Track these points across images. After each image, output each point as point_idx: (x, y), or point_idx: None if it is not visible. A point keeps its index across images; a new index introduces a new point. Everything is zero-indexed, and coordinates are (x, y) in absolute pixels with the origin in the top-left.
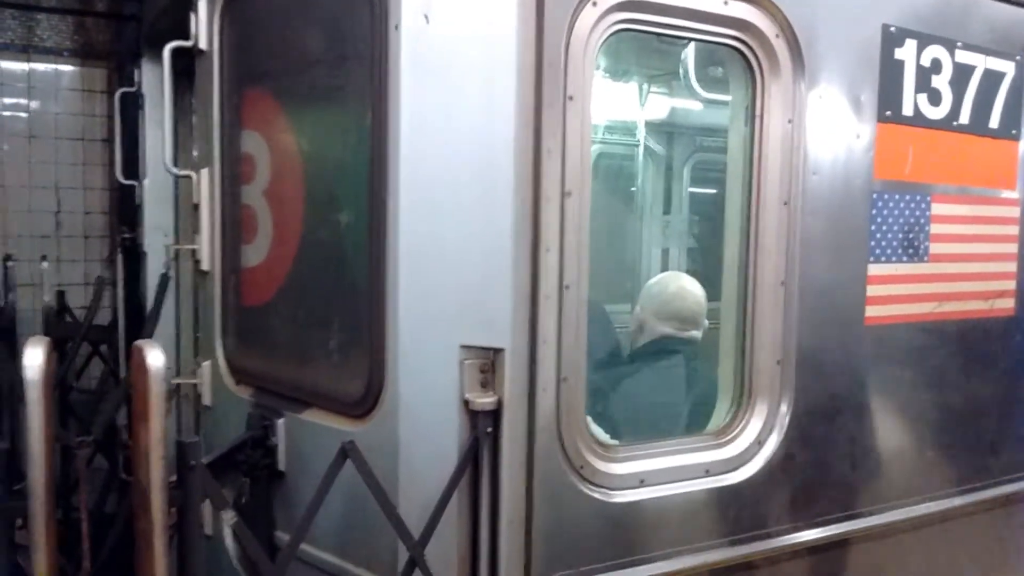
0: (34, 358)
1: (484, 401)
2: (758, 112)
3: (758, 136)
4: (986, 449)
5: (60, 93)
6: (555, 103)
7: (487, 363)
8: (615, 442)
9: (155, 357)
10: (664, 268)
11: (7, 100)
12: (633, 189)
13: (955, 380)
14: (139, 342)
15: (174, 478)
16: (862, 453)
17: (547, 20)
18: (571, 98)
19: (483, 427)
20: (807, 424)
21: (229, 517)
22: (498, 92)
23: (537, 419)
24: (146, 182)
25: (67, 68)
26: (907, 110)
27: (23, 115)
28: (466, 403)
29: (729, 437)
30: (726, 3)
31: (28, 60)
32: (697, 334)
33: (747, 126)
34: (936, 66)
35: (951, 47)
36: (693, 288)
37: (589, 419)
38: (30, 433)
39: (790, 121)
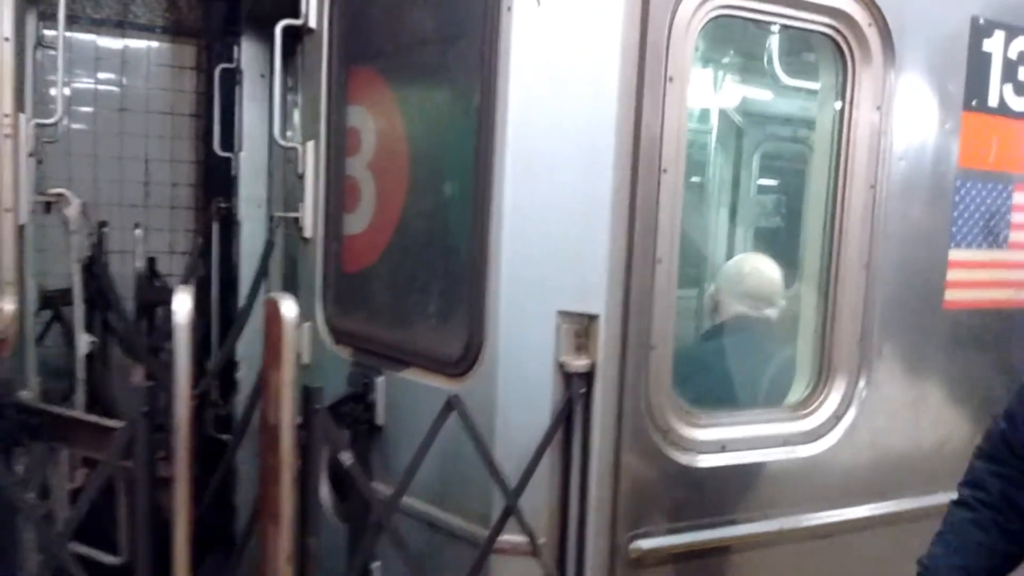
0: (183, 304)
1: (578, 364)
2: (848, 98)
3: (847, 121)
4: None
5: (152, 69)
6: (656, 84)
7: (582, 328)
8: (699, 409)
9: (288, 308)
10: (745, 249)
11: (102, 75)
12: (724, 171)
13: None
14: (272, 294)
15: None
16: (936, 433)
17: (652, 4)
18: (671, 79)
19: (576, 388)
20: (885, 401)
21: (347, 457)
22: (603, 72)
23: (627, 383)
24: (242, 155)
25: (158, 44)
26: (993, 100)
27: (116, 89)
28: (561, 365)
29: (808, 410)
30: None
31: (123, 36)
32: (772, 312)
33: (837, 111)
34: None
35: None
36: (767, 268)
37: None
38: (177, 371)
39: (879, 108)
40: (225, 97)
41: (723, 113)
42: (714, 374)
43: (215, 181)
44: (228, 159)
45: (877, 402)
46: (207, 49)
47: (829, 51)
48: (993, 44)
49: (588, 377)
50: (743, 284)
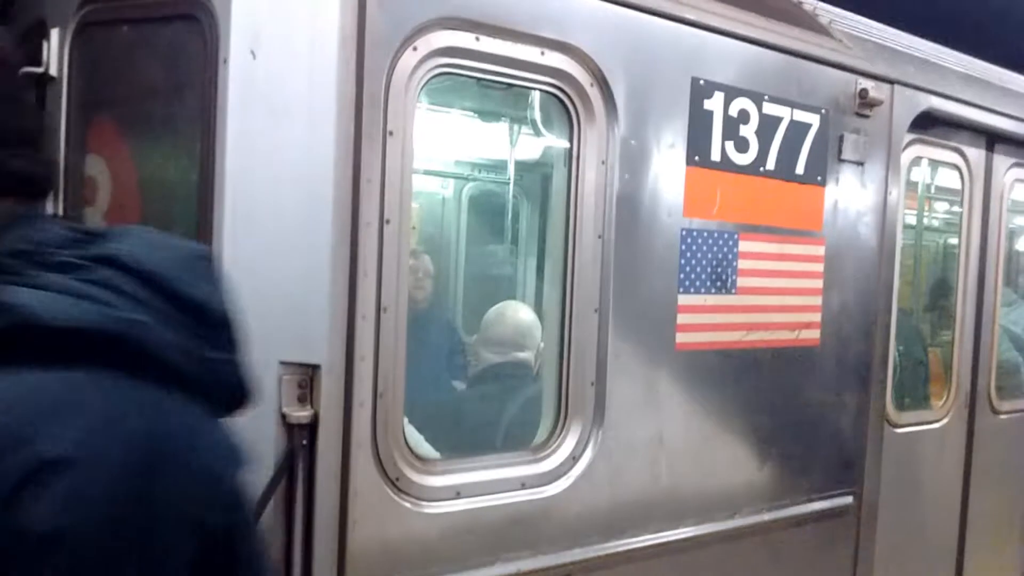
0: None
1: (300, 415)
2: (576, 153)
3: (576, 175)
4: (794, 469)
5: None
6: (375, 137)
7: (305, 379)
8: (436, 455)
9: None
10: (513, 297)
11: None
12: (500, 225)
13: (762, 403)
14: None
15: None
16: (674, 470)
17: (367, 62)
18: (391, 133)
19: (299, 440)
20: (621, 441)
21: None
22: (320, 124)
23: (353, 432)
24: None
25: None
26: (715, 156)
27: None
28: (283, 416)
29: (546, 452)
30: (543, 53)
31: None
32: (523, 356)
33: (566, 166)
34: (744, 116)
35: (759, 100)
36: (513, 313)
37: (420, 437)
38: None
39: (603, 162)
40: None
41: (473, 164)
42: (466, 420)
43: None
44: None
45: (613, 442)
46: None
47: (557, 109)
48: (714, 103)
49: (311, 428)
50: (488, 331)
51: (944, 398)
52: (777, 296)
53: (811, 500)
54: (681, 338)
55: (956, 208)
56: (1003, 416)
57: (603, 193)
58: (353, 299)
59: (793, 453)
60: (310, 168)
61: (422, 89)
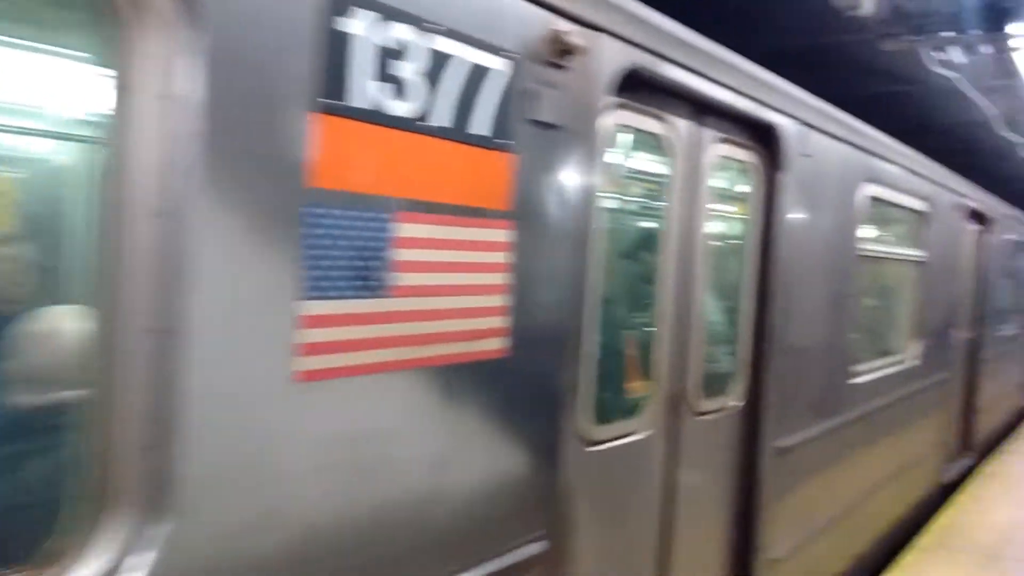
0: None
1: None
2: (123, 83)
3: (122, 116)
4: (470, 525)
5: None
6: None
7: None
8: None
9: None
10: None
11: None
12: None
13: (429, 445)
14: None
15: None
16: (294, 565)
17: None
18: None
19: None
20: (201, 540)
21: None
22: None
23: None
24: None
25: None
26: (357, 100)
27: None
28: None
29: (62, 568)
30: None
31: None
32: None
33: (117, 101)
34: (403, 50)
35: (424, 28)
36: (49, 328)
37: None
38: None
39: (167, 97)
40: None
41: None
42: None
43: None
44: None
45: (188, 543)
46: None
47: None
48: (357, 25)
49: None
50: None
51: (648, 403)
52: (448, 297)
53: (494, 557)
54: (305, 364)
55: (661, 186)
56: (705, 417)
57: (167, 144)
58: None
59: (459, 505)
60: None
61: None
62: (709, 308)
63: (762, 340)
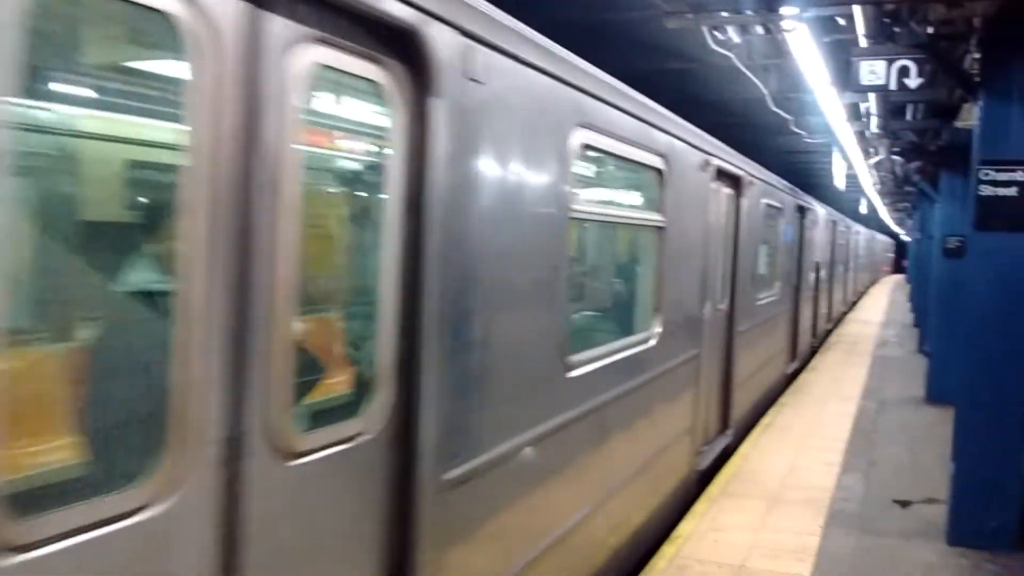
0: None
1: None
2: None
3: None
4: None
5: None
6: None
7: None
8: None
9: None
10: None
11: None
12: None
13: None
14: None
15: None
16: None
17: None
18: None
19: None
20: None
21: None
22: None
23: None
24: None
25: None
26: None
27: None
28: None
29: None
30: None
31: None
32: None
33: None
34: None
35: None
36: None
37: None
38: None
39: None
40: None
41: None
42: None
43: None
44: None
45: None
46: None
47: None
48: None
49: None
50: None
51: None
52: None
53: None
54: None
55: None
56: (309, 460)
57: None
58: None
59: None
60: None
61: None
62: (301, 294)
63: (416, 336)
